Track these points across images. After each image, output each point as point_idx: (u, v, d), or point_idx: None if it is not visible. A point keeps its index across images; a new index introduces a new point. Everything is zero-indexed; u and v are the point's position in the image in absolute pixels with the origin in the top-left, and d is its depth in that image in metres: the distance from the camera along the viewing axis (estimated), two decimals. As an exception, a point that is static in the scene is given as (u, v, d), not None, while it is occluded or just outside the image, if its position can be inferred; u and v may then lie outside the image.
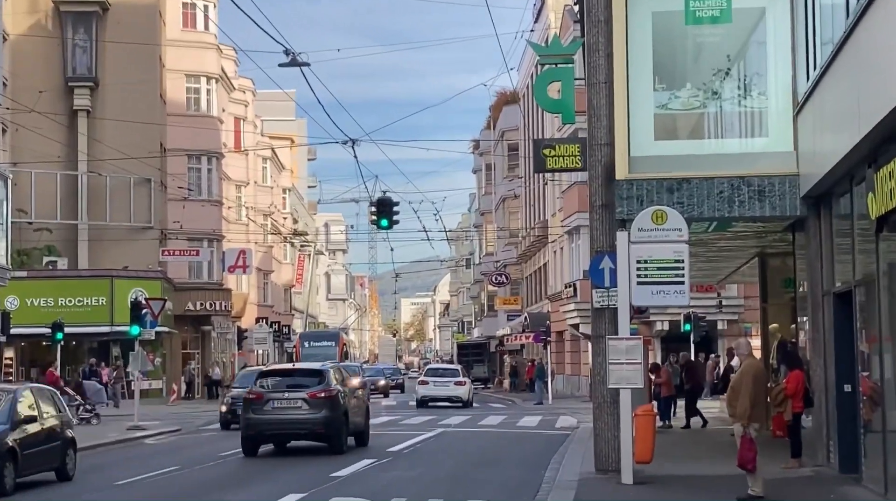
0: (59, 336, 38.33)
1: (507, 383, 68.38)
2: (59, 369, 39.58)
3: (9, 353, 45.96)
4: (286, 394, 24.11)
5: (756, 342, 28.71)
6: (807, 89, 16.46)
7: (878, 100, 12.06)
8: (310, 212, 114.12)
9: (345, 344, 64.58)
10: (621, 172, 17.53)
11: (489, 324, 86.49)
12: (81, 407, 34.86)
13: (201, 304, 57.52)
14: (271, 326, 68.05)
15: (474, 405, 46.71)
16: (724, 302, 48.10)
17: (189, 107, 59.67)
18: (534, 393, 50.18)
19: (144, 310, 34.39)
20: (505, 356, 73.54)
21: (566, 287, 51.83)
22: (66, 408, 21.38)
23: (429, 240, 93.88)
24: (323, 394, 23.87)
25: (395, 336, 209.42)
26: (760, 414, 14.63)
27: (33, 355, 48.96)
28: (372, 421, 33.14)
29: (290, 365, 35.06)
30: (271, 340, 65.15)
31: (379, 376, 64.21)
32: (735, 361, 14.98)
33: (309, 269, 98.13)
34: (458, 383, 46.89)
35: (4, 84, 48.27)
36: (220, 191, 61.78)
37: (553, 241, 59.36)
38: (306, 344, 61.68)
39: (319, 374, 24.78)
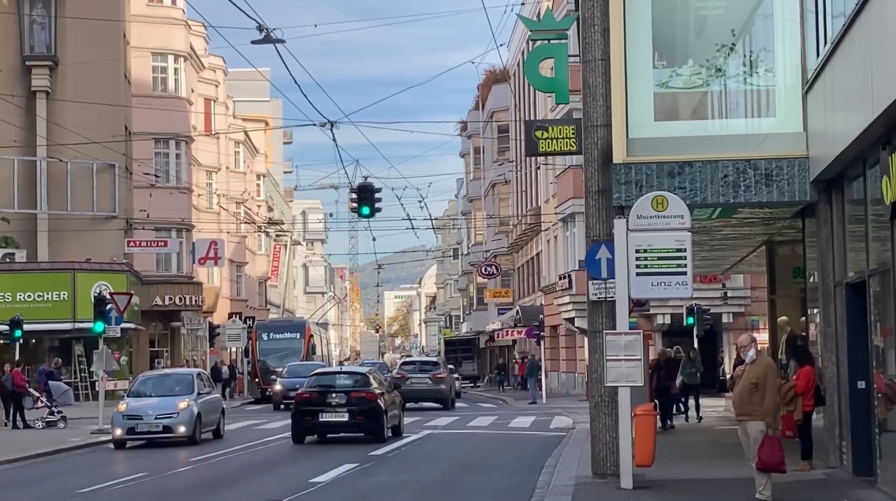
0: (18, 333, 38.20)
1: (515, 380, 67.47)
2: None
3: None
4: (418, 375, 43.75)
5: (764, 336, 28.79)
6: (817, 66, 16.46)
7: (892, 77, 12.06)
8: (286, 200, 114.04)
9: (312, 335, 61.26)
10: (619, 155, 17.52)
11: (478, 318, 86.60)
12: (48, 410, 34.83)
13: (170, 299, 57.43)
14: (245, 322, 67.89)
15: (458, 405, 46.91)
16: (729, 294, 48.20)
17: (156, 88, 59.50)
18: (525, 391, 50.47)
19: (109, 306, 34.31)
20: (515, 352, 73.08)
21: (561, 278, 51.87)
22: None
23: (413, 228, 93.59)
24: (440, 376, 44.08)
25: (377, 331, 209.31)
26: (777, 412, 14.64)
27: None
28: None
29: (417, 358, 57.98)
30: (245, 337, 64.77)
31: None
32: (752, 353, 14.83)
33: (285, 261, 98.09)
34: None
35: (-43, 63, 48.09)
36: (189, 178, 61.64)
37: (546, 229, 59.41)
38: (265, 337, 57.80)
39: (435, 364, 46.42)
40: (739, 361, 18.76)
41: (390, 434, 28.29)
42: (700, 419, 30.64)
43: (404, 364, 48.46)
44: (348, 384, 28.75)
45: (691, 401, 31.54)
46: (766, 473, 14.48)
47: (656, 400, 27.92)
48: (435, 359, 51.46)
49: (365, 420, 27.83)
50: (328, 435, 28.55)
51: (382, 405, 27.99)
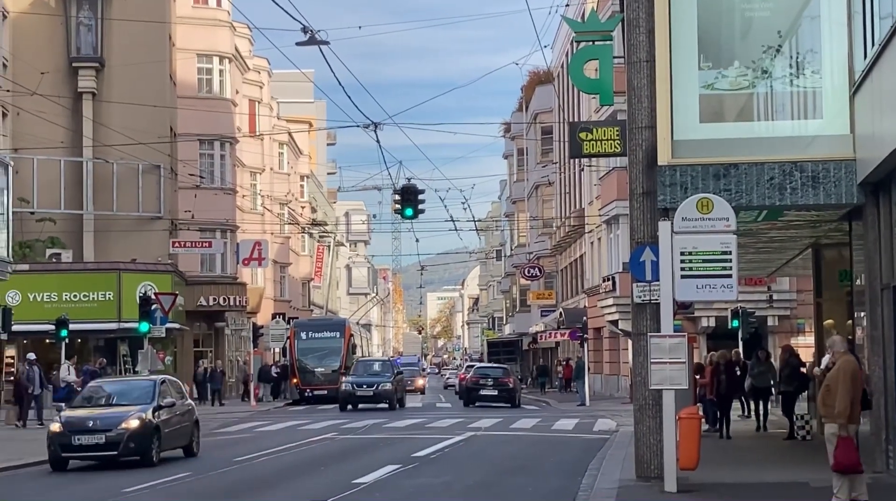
0: (64, 333, 38.53)
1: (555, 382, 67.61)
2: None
3: (10, 351, 46.27)
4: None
5: (810, 339, 28.54)
6: (864, 67, 16.36)
7: (942, 78, 11.97)
8: (329, 201, 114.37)
9: (352, 335, 59.50)
10: (664, 157, 17.47)
11: (521, 320, 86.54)
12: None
13: (214, 299, 57.72)
14: (288, 322, 68.14)
15: (500, 406, 47.77)
16: (774, 297, 47.88)
17: (201, 89, 59.86)
18: (566, 393, 50.55)
19: (154, 306, 34.62)
20: (570, 358, 72.81)
21: (604, 280, 51.76)
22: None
23: (456, 230, 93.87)
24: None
25: (420, 332, 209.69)
26: (857, 413, 14.47)
27: (36, 353, 49.23)
28: (396, 424, 34.75)
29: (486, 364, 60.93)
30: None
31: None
32: (826, 358, 14.81)
33: (328, 262, 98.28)
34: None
35: (4, 65, 48.55)
36: (233, 179, 61.97)
37: (590, 232, 59.29)
38: (303, 336, 57.16)
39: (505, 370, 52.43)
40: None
41: (517, 403, 46.91)
42: (765, 428, 27.79)
43: (470, 368, 60.05)
44: (495, 374, 48.38)
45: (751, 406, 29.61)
46: (844, 475, 14.29)
47: (716, 409, 27.25)
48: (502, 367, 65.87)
49: (506, 394, 46.91)
50: (478, 404, 46.86)
51: (514, 386, 47.72)
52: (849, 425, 14.20)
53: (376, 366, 49.68)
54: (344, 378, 48.86)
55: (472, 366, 61.99)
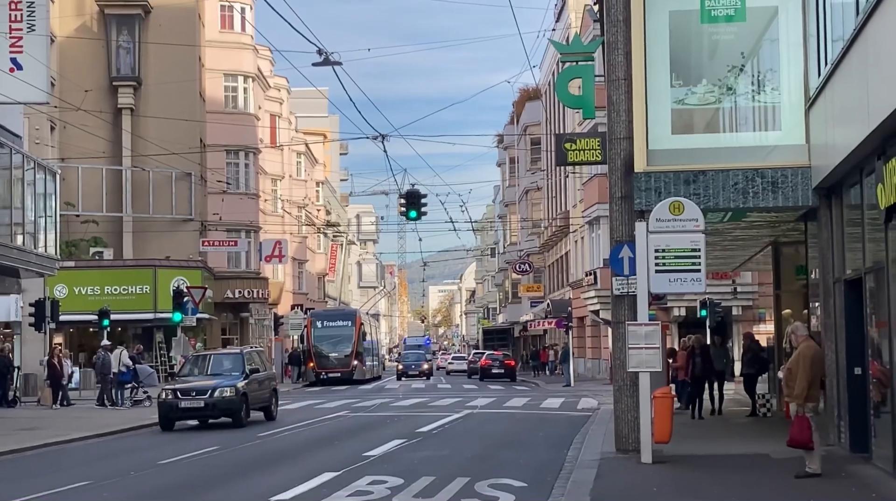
0: (106, 322, 38.57)
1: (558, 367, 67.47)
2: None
3: (58, 339, 46.27)
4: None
5: (770, 327, 28.49)
6: (818, 84, 16.36)
7: (886, 94, 11.98)
8: (342, 204, 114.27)
9: (362, 323, 59.54)
10: (640, 165, 17.47)
11: (513, 310, 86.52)
12: (135, 390, 35.10)
13: (240, 292, 57.74)
14: (306, 312, 68.14)
15: (496, 387, 47.51)
16: (738, 289, 47.84)
17: (227, 105, 59.87)
18: (552, 375, 50.67)
19: (186, 298, 34.62)
20: (558, 345, 72.70)
21: (587, 275, 51.75)
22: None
23: (455, 230, 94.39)
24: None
25: (423, 321, 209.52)
26: (816, 394, 14.48)
27: (81, 340, 49.34)
28: (401, 403, 34.24)
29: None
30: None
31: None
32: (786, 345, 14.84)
33: (341, 259, 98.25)
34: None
35: (53, 83, 48.54)
36: (256, 185, 61.96)
37: (574, 231, 59.28)
38: (319, 325, 57.14)
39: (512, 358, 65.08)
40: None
41: (515, 378, 57.22)
42: (720, 412, 26.46)
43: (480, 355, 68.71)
44: (500, 358, 60.09)
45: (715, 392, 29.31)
46: (803, 450, 14.28)
47: (689, 390, 26.76)
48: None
49: (509, 372, 57.95)
50: (487, 379, 57.38)
51: (513, 366, 60.10)
52: (806, 404, 14.21)
53: (222, 363, 28.44)
54: (169, 382, 33.00)
55: (478, 353, 71.23)
